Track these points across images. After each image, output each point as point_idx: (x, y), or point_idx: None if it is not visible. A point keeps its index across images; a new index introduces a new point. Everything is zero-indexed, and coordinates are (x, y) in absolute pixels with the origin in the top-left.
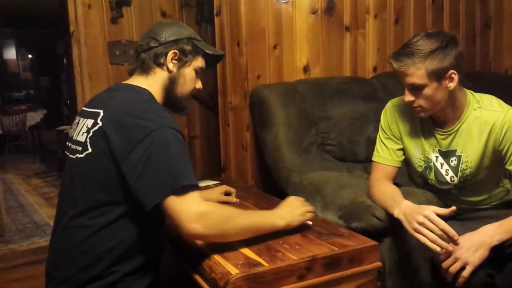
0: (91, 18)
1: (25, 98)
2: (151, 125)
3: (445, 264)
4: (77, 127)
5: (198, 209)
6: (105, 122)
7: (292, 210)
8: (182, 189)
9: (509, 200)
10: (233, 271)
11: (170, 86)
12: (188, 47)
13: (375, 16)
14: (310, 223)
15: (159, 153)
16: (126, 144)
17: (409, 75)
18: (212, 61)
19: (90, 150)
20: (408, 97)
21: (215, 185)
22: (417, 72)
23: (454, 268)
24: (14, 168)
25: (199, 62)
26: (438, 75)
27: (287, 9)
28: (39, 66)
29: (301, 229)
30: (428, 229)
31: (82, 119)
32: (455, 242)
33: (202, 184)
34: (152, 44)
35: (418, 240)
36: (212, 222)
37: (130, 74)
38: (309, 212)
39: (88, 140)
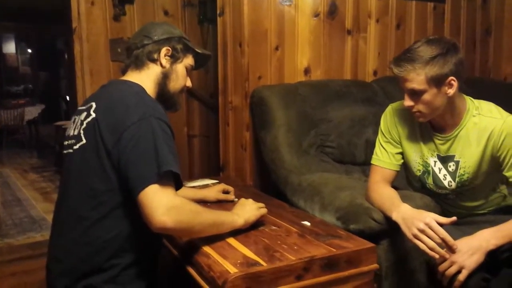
0: (94, 15)
1: (23, 93)
2: (139, 113)
3: (441, 268)
4: (72, 125)
5: (171, 203)
6: (97, 112)
7: (246, 207)
8: (165, 175)
9: (505, 206)
10: (232, 270)
11: (163, 81)
12: (179, 45)
13: (377, 21)
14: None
15: (145, 141)
16: (115, 131)
17: (409, 80)
18: (200, 61)
19: (84, 141)
20: (408, 102)
21: (214, 184)
22: (417, 77)
23: (450, 272)
24: (11, 162)
25: (190, 60)
26: (437, 81)
27: (290, 12)
28: (38, 60)
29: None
30: (427, 236)
31: (77, 116)
32: (453, 251)
33: (201, 183)
34: (146, 42)
35: (415, 245)
36: (182, 217)
37: (124, 71)
38: (262, 207)
39: (82, 131)
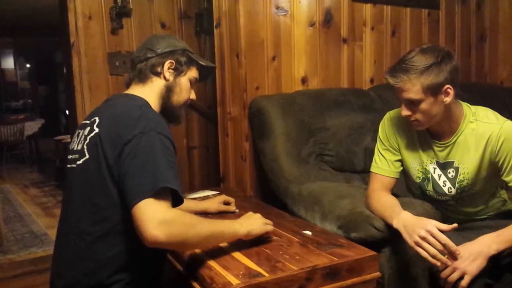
0: (92, 29)
1: (23, 108)
2: (140, 127)
3: (443, 274)
4: (76, 139)
5: (163, 216)
6: (100, 126)
7: (252, 219)
8: (160, 192)
9: (506, 210)
10: (234, 281)
11: (167, 94)
12: (183, 58)
13: (372, 29)
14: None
15: (144, 156)
16: (116, 146)
17: (405, 90)
18: (204, 73)
19: (87, 156)
20: (405, 112)
21: (214, 195)
22: (412, 88)
23: (452, 278)
24: (12, 177)
25: (193, 73)
26: (433, 90)
27: (286, 22)
28: (37, 75)
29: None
30: (429, 243)
31: (81, 130)
32: (455, 258)
33: (202, 194)
34: (149, 55)
35: (417, 252)
36: (175, 231)
37: (127, 85)
38: (268, 224)
39: (85, 147)
